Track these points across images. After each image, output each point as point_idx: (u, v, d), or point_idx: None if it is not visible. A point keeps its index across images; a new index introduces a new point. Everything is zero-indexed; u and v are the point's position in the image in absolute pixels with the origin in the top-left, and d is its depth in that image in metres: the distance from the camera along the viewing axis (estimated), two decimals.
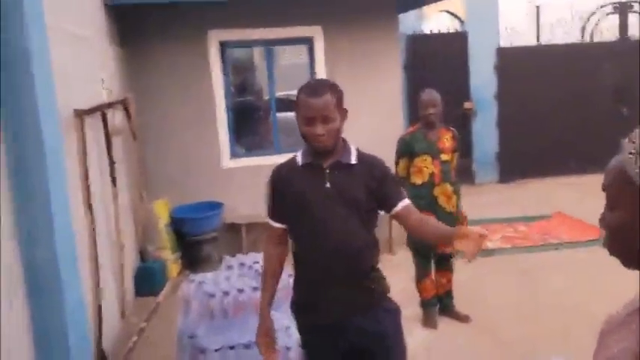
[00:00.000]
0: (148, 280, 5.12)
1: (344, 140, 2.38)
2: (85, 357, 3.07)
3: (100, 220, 3.94)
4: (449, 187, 4.37)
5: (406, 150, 4.44)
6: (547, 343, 4.09)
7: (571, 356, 3.33)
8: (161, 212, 5.63)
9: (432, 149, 4.35)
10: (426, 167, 4.37)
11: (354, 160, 2.33)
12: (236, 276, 3.24)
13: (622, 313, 1.10)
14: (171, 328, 3.44)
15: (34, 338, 2.73)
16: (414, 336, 4.09)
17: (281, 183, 2.39)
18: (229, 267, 3.49)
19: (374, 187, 2.33)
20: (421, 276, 4.53)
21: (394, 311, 2.44)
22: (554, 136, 8.68)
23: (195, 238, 5.72)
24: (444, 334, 4.42)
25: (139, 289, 5.10)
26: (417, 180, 4.40)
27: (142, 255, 5.39)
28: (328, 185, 2.29)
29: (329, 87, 2.30)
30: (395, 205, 2.35)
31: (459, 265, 5.77)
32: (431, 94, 4.39)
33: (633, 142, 1.03)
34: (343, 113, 2.32)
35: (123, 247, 4.50)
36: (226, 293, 3.01)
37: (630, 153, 1.03)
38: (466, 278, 5.45)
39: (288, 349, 2.95)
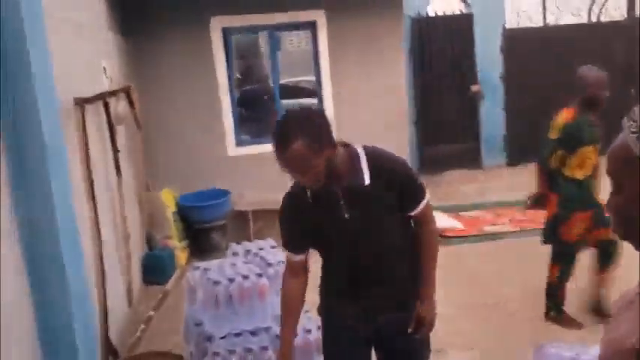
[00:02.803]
0: (155, 268, 5.12)
1: (350, 155, 2.15)
2: (91, 347, 3.07)
3: (104, 210, 3.92)
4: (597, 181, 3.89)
5: (571, 140, 3.82)
6: (556, 325, 4.07)
7: (580, 338, 3.31)
8: (168, 201, 5.62)
9: (597, 137, 3.82)
10: (589, 159, 3.84)
11: (367, 180, 2.11)
12: (241, 263, 3.22)
13: (635, 291, 1.08)
14: (179, 317, 3.44)
15: (38, 330, 2.72)
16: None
17: (293, 216, 2.24)
18: (235, 254, 3.47)
19: (395, 195, 2.17)
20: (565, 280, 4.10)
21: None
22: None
23: (203, 226, 5.72)
24: (454, 317, 4.40)
25: (147, 277, 5.11)
26: (578, 174, 3.85)
27: (150, 244, 5.39)
28: (347, 216, 2.14)
29: (298, 134, 1.94)
30: (414, 208, 2.23)
31: (466, 249, 5.78)
32: (599, 72, 3.89)
33: (634, 121, 1.00)
34: (327, 149, 2.01)
35: (129, 236, 4.49)
36: (231, 280, 3.00)
37: (632, 132, 1.00)
38: (475, 263, 5.44)
39: (307, 331, 2.94)
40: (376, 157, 2.17)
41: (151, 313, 4.50)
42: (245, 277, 3.03)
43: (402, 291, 2.29)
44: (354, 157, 2.15)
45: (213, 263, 3.30)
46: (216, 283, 2.98)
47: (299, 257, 2.28)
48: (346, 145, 2.17)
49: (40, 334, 2.74)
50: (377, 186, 2.12)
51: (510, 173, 8.43)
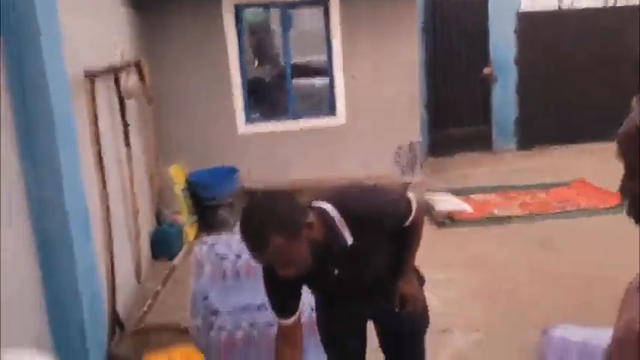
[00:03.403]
0: (164, 244, 5.15)
1: (323, 218, 1.96)
2: (98, 320, 3.10)
3: (113, 184, 3.93)
4: None
5: None
6: (563, 309, 4.05)
7: (587, 322, 3.29)
8: (177, 176, 5.63)
9: None
10: None
11: (349, 241, 1.99)
12: None
13: None
14: (186, 292, 3.45)
15: (47, 303, 2.75)
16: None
17: (276, 283, 2.04)
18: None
19: (383, 235, 2.11)
20: None
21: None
22: (576, 101, 8.48)
23: (211, 203, 5.74)
24: (460, 299, 4.40)
25: (155, 253, 5.14)
26: None
27: (158, 219, 5.41)
28: (336, 272, 2.09)
29: (271, 228, 1.77)
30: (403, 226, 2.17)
31: (477, 233, 5.77)
32: None
33: None
34: (304, 229, 1.85)
35: (137, 210, 4.51)
36: (238, 256, 3.01)
37: None
38: (483, 246, 5.43)
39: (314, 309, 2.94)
40: (351, 213, 1.99)
41: (159, 288, 4.53)
42: None
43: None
44: (327, 220, 1.97)
45: (220, 238, 3.31)
46: (223, 257, 3.00)
47: (291, 320, 2.12)
48: (312, 208, 1.99)
49: (48, 307, 2.76)
50: (361, 241, 2.01)
51: (521, 157, 8.37)
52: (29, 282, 2.61)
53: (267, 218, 1.79)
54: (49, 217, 2.70)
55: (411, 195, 2.20)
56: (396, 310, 2.24)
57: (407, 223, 2.15)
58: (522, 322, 3.92)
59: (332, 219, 1.98)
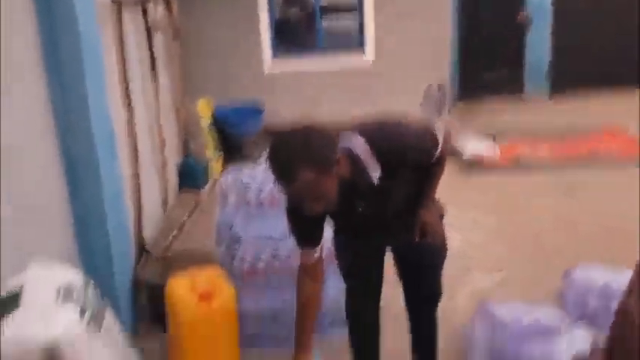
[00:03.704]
0: (190, 176, 5.21)
1: (350, 155, 1.94)
2: (124, 244, 3.17)
3: (140, 115, 3.95)
4: None
5: None
6: (585, 256, 4.02)
7: (609, 267, 3.27)
8: (203, 111, 5.64)
9: None
10: None
11: (376, 175, 1.99)
12: None
13: None
14: (212, 223, 3.50)
15: (73, 223, 2.81)
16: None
17: (300, 216, 2.02)
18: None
19: (410, 168, 2.09)
20: None
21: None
22: (613, 46, 8.18)
23: (237, 140, 5.76)
24: (483, 242, 4.40)
25: (182, 185, 5.20)
26: None
27: (185, 152, 5.45)
28: (360, 209, 2.08)
29: (303, 161, 1.74)
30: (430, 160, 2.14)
31: (503, 178, 5.71)
32: None
33: None
34: (336, 165, 1.82)
35: (164, 142, 4.55)
36: (263, 186, 3.03)
37: None
38: (509, 191, 5.38)
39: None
40: (378, 148, 1.96)
41: (185, 218, 4.61)
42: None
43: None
44: (354, 155, 1.95)
45: (245, 168, 3.33)
46: (248, 187, 3.02)
47: (313, 252, 2.12)
48: (339, 143, 1.93)
49: (74, 228, 2.82)
50: (387, 177, 1.99)
51: (553, 103, 8.18)
52: (56, 202, 2.66)
53: (300, 151, 1.75)
54: (75, 140, 2.73)
55: (437, 130, 2.17)
56: (416, 240, 2.25)
57: (433, 159, 2.13)
58: (544, 266, 3.92)
59: (359, 154, 1.95)
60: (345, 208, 2.03)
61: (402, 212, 2.22)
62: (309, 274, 2.15)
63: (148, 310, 3.29)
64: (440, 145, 2.12)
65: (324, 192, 1.82)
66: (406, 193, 2.19)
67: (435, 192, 2.28)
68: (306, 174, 1.74)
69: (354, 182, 1.97)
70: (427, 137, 2.11)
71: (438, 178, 2.24)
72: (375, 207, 2.12)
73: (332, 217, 2.20)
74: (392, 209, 2.18)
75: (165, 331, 2.87)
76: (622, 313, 1.12)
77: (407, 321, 2.71)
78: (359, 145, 1.96)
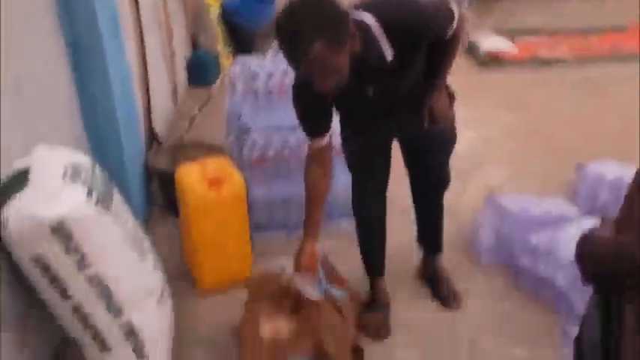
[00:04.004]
0: (200, 70, 5.11)
1: (362, 30, 1.83)
2: (134, 131, 3.16)
3: (145, 5, 3.79)
4: None
5: None
6: (602, 151, 3.96)
7: (624, 162, 3.23)
8: (212, 1, 5.45)
9: None
10: None
11: (389, 56, 1.89)
12: (282, 59, 3.13)
13: None
14: (223, 117, 3.47)
15: (81, 112, 2.77)
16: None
17: (307, 103, 2.01)
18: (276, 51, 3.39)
19: (424, 50, 2.00)
20: None
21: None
22: None
23: (247, 32, 5.59)
24: (497, 137, 4.35)
25: (192, 79, 5.12)
26: None
27: (194, 46, 5.33)
28: (371, 93, 2.00)
29: (315, 33, 1.65)
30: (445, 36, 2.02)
31: (520, 74, 5.56)
32: None
33: None
34: (349, 40, 1.75)
35: (172, 32, 4.43)
36: (271, 74, 2.96)
37: None
38: (526, 87, 5.25)
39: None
40: (391, 23, 1.86)
41: (196, 112, 4.58)
42: (285, 73, 2.98)
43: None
44: (366, 31, 1.84)
45: (254, 58, 3.25)
46: (256, 75, 2.95)
47: (321, 140, 2.09)
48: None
49: (83, 115, 2.79)
50: (399, 56, 1.90)
51: (575, 1, 7.81)
52: (62, 86, 2.61)
53: (313, 22, 1.66)
54: (79, 28, 2.63)
55: (453, 5, 2.05)
56: (425, 126, 2.20)
57: (448, 35, 2.04)
58: (558, 162, 3.87)
59: (371, 31, 1.86)
60: (354, 92, 1.98)
61: (413, 96, 2.15)
62: (317, 161, 2.13)
63: (160, 197, 3.34)
64: (455, 21, 2.01)
65: (334, 68, 1.76)
66: (417, 75, 2.10)
67: (446, 75, 2.20)
68: (319, 47, 1.66)
69: (366, 62, 1.90)
70: (442, 10, 2.00)
71: (451, 59, 2.15)
72: (385, 91, 2.05)
73: (340, 104, 2.14)
74: (403, 93, 2.11)
75: (177, 216, 2.92)
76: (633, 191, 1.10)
77: (413, 212, 2.72)
78: (370, 20, 1.87)
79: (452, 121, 2.29)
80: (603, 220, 1.18)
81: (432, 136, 2.27)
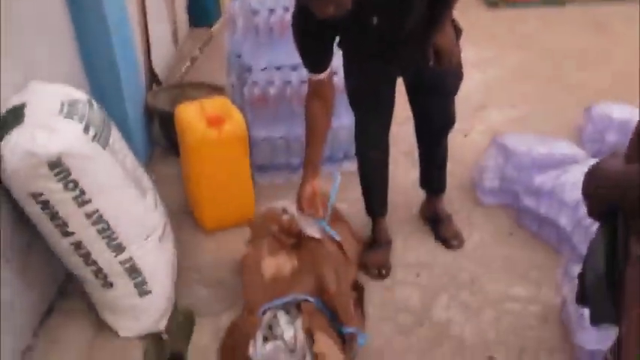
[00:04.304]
0: (201, 10, 5.00)
1: None
2: (133, 70, 3.10)
3: None
4: None
5: None
6: (609, 92, 3.90)
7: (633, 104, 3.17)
8: None
9: None
10: None
11: None
12: None
13: None
14: (224, 58, 3.40)
15: (80, 53, 2.71)
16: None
17: (311, 30, 1.94)
18: None
19: None
20: None
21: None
22: None
23: None
24: (503, 78, 4.28)
25: (193, 20, 5.01)
26: None
27: None
28: (375, 21, 1.92)
29: None
30: None
31: (529, 14, 5.42)
32: None
33: None
34: None
35: None
36: (272, 10, 2.87)
37: None
38: (535, 27, 5.13)
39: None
40: None
41: (197, 53, 4.50)
42: (286, 10, 2.89)
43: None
44: None
45: None
46: (256, 11, 2.87)
47: (322, 75, 2.06)
48: None
49: (82, 57, 2.73)
50: None
51: None
52: (60, 27, 2.55)
53: None
54: None
55: None
56: (431, 63, 2.13)
57: None
58: (565, 102, 3.82)
59: None
60: (358, 21, 1.92)
61: (418, 30, 2.07)
62: (318, 95, 2.10)
63: (161, 138, 3.31)
64: None
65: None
66: (423, 6, 2.01)
67: (452, 8, 2.12)
68: None
69: None
70: None
71: None
72: (390, 20, 1.97)
73: (343, 34, 2.08)
74: (408, 25, 2.02)
75: (179, 157, 2.89)
76: None
77: (417, 152, 2.67)
78: None
79: (458, 58, 2.21)
80: (613, 153, 1.14)
81: (438, 74, 2.19)
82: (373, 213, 2.63)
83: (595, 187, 1.13)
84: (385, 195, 2.61)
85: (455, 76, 2.32)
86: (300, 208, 2.14)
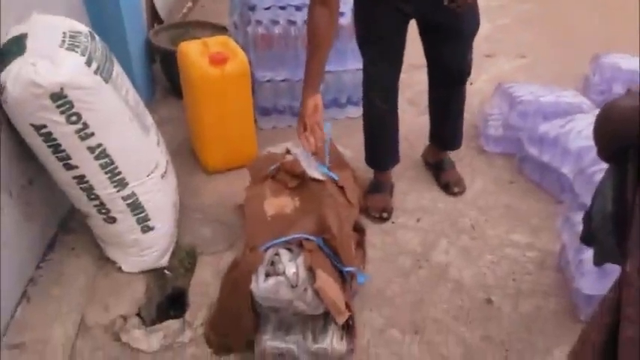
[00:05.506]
0: None
1: None
2: (135, 10, 3.04)
3: None
4: None
5: None
6: (619, 42, 3.82)
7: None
8: None
9: None
10: None
11: None
12: None
13: None
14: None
15: None
16: None
17: None
18: None
19: None
20: None
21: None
22: None
23: None
24: (511, 26, 4.20)
25: None
26: None
27: None
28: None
29: None
30: None
31: None
32: None
33: None
34: None
35: None
36: None
37: None
38: None
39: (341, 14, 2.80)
40: None
41: None
42: None
43: None
44: None
45: None
46: None
47: None
48: None
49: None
50: None
51: None
52: None
53: None
54: None
55: None
56: (445, 3, 2.07)
57: None
58: (574, 52, 3.76)
59: None
60: None
61: None
62: (321, 1, 1.98)
63: (163, 78, 3.26)
64: None
65: None
66: None
67: None
68: None
69: None
70: None
71: None
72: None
73: None
74: None
75: (181, 99, 2.86)
76: None
77: (428, 105, 2.61)
78: None
79: (474, 1, 2.14)
80: (628, 92, 1.12)
81: (454, 16, 2.14)
82: (374, 164, 2.58)
83: (609, 123, 1.11)
84: (390, 147, 2.56)
85: (471, 19, 2.25)
86: (303, 125, 2.06)
